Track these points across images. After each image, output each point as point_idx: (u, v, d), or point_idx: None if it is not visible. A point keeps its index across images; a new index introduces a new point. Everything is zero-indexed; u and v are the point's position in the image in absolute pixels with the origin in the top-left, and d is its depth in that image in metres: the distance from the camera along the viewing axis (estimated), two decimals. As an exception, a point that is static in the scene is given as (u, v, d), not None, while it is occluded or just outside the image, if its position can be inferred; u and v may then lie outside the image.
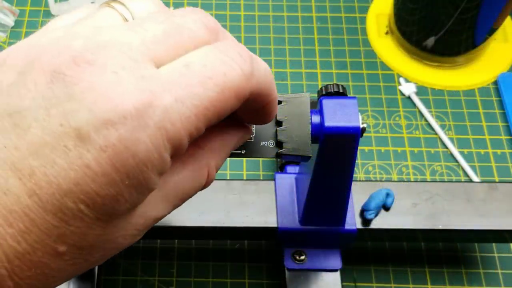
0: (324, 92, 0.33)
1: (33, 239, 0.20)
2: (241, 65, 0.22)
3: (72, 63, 0.20)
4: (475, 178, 0.47)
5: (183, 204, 0.38)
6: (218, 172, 0.47)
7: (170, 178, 0.23)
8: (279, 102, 0.30)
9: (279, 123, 0.30)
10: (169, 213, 0.24)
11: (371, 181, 0.46)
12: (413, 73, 0.53)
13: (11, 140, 0.20)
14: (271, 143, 0.30)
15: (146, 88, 0.20)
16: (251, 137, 0.30)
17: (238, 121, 0.27)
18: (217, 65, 0.21)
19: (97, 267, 0.40)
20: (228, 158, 0.46)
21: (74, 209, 0.20)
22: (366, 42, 0.55)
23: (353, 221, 0.37)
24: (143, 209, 0.22)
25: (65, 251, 0.20)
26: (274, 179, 0.40)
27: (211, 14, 0.56)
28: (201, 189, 0.25)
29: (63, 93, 0.20)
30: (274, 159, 0.46)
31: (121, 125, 0.19)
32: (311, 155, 0.29)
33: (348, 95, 0.33)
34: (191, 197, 0.25)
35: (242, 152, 0.29)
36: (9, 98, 0.20)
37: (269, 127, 0.30)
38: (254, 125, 0.30)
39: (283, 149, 0.29)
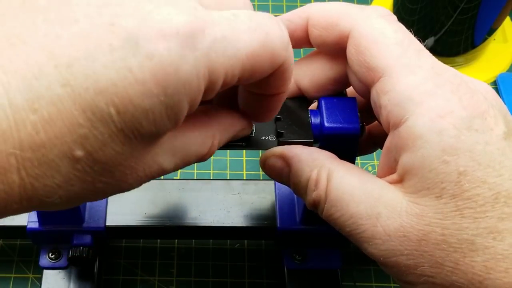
0: (324, 92, 0.33)
1: (54, 133, 0.19)
2: (280, 31, 0.23)
3: None
4: (474, 178, 0.47)
5: (183, 204, 0.39)
6: (218, 172, 0.48)
7: (181, 134, 0.23)
8: None
9: (278, 119, 0.30)
10: (170, 171, 0.24)
11: (371, 181, 0.46)
12: (412, 73, 0.53)
13: (54, 29, 0.19)
14: (271, 137, 0.30)
15: (200, 16, 0.20)
16: (252, 133, 0.30)
17: (243, 115, 0.27)
18: (262, 23, 0.22)
19: (97, 267, 0.40)
20: (228, 157, 0.47)
21: (104, 110, 0.19)
22: (366, 43, 0.55)
23: (353, 221, 0.38)
24: (155, 150, 0.22)
25: (81, 156, 0.19)
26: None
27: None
28: (199, 161, 0.25)
29: None
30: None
31: (173, 38, 0.19)
32: (312, 140, 0.30)
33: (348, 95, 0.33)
34: (190, 163, 0.25)
35: (243, 144, 0.30)
36: None
37: (269, 124, 0.30)
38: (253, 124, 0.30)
39: (284, 137, 0.29)
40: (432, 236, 0.23)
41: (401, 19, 0.53)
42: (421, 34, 0.51)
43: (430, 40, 0.51)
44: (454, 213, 0.23)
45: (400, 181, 0.24)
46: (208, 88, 0.21)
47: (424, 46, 0.53)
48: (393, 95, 0.24)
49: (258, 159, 0.48)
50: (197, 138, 0.24)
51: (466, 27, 0.48)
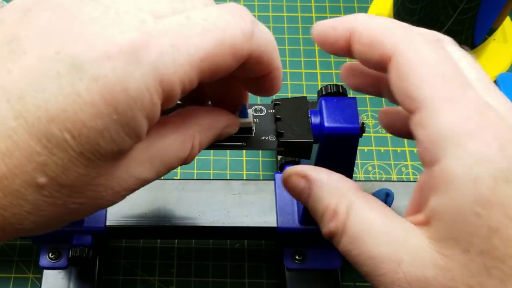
0: (324, 93, 0.33)
1: (13, 164, 0.19)
2: (241, 24, 0.22)
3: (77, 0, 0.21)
4: (474, 178, 0.47)
5: (183, 204, 0.39)
6: (218, 172, 0.48)
7: (156, 141, 0.24)
8: (276, 104, 0.31)
9: (278, 119, 0.30)
10: (152, 179, 0.24)
11: (371, 181, 0.46)
12: (412, 74, 0.53)
13: (6, 65, 0.20)
14: (271, 137, 0.30)
15: (145, 30, 0.20)
16: (252, 133, 0.30)
17: (228, 112, 0.27)
18: (218, 21, 0.22)
19: (97, 267, 0.40)
20: (228, 157, 0.46)
21: (59, 137, 0.19)
22: (366, 43, 0.55)
23: (353, 221, 0.38)
24: (128, 163, 0.22)
25: (45, 183, 0.20)
26: (274, 179, 0.40)
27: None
28: (183, 164, 0.25)
29: (63, 25, 0.20)
30: (274, 159, 0.46)
31: (116, 58, 0.20)
32: (312, 140, 0.30)
33: (348, 95, 0.33)
34: (173, 168, 0.25)
35: (243, 144, 0.30)
36: (10, 29, 0.21)
37: (269, 124, 0.30)
38: (254, 123, 0.30)
39: (284, 137, 0.29)
40: None
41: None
42: (421, 34, 0.51)
43: (430, 40, 0.51)
44: (482, 271, 0.21)
45: (426, 223, 0.22)
46: (166, 98, 0.21)
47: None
48: (430, 131, 0.22)
49: (258, 159, 0.48)
50: (174, 142, 0.24)
51: (466, 27, 0.48)
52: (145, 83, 0.20)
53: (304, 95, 0.51)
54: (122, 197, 0.23)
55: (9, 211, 0.20)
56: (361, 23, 0.26)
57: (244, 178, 0.47)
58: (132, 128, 0.21)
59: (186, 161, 0.25)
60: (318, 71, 0.53)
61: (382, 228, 0.23)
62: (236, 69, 0.23)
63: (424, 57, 0.23)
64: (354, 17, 0.27)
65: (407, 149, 0.49)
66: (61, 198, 0.21)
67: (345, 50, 0.28)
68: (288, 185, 0.28)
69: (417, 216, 0.23)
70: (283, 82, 0.52)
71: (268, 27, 0.55)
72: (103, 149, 0.20)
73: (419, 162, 0.48)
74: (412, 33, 0.25)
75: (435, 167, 0.22)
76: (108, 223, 0.38)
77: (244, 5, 0.62)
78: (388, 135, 0.49)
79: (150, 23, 0.21)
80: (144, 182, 0.24)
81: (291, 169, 0.28)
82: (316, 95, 0.34)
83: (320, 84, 0.52)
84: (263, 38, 0.24)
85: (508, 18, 0.54)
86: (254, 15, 0.56)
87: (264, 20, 0.56)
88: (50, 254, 0.39)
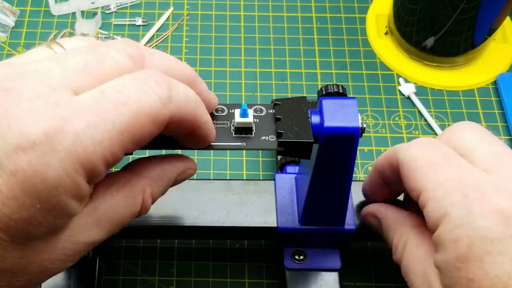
0: (324, 93, 0.33)
1: None
2: (156, 91, 0.23)
3: None
4: (474, 178, 0.47)
5: (183, 204, 0.39)
6: (218, 172, 0.48)
7: (102, 203, 0.24)
8: (276, 104, 0.31)
9: (278, 119, 0.30)
10: (104, 238, 0.24)
11: (371, 181, 0.46)
12: (412, 73, 0.53)
13: None
14: (271, 137, 0.30)
15: (58, 114, 0.20)
16: (252, 133, 0.30)
17: (180, 154, 0.28)
18: (132, 91, 0.22)
19: (97, 267, 0.40)
20: (228, 157, 0.46)
21: None
22: (366, 43, 0.55)
23: (353, 221, 0.38)
24: (70, 233, 0.22)
25: None
26: (274, 179, 0.40)
27: (211, 15, 0.56)
28: (139, 216, 0.26)
29: None
30: (274, 159, 0.46)
31: (31, 150, 0.20)
32: (312, 140, 0.30)
33: (348, 95, 0.33)
34: (126, 224, 0.25)
35: (243, 144, 0.30)
36: None
37: (269, 124, 0.30)
38: (254, 123, 0.30)
39: (284, 137, 0.29)
40: None
41: (401, 19, 0.53)
42: (421, 34, 0.51)
43: (430, 40, 0.51)
44: None
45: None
46: (91, 175, 0.21)
47: (424, 46, 0.53)
48: (428, 209, 0.28)
49: (258, 159, 0.48)
50: (122, 201, 0.24)
51: (466, 27, 0.48)
52: (63, 169, 0.20)
53: (304, 95, 0.51)
54: (73, 261, 0.23)
55: None
56: (380, 158, 0.34)
57: (244, 178, 0.47)
58: (59, 210, 0.21)
59: (139, 214, 0.26)
60: (318, 71, 0.53)
61: (421, 264, 0.29)
62: (163, 131, 0.24)
63: (413, 155, 0.30)
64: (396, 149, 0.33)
65: (407, 149, 0.49)
66: (4, 280, 0.21)
67: (383, 187, 0.35)
68: (365, 222, 0.36)
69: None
70: (284, 82, 0.52)
71: (268, 27, 0.55)
72: (35, 233, 0.21)
73: (419, 162, 0.48)
74: (409, 142, 0.31)
75: (435, 233, 0.27)
76: (108, 223, 0.38)
77: (244, 5, 0.63)
78: (388, 135, 0.49)
79: (64, 106, 0.21)
80: (93, 244, 0.24)
81: (365, 209, 0.36)
82: (316, 95, 0.34)
83: (320, 84, 0.52)
84: (182, 100, 0.24)
85: (508, 18, 0.54)
86: (254, 15, 0.56)
87: (264, 20, 0.56)
88: (50, 254, 0.39)
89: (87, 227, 0.23)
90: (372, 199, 0.36)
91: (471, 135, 0.29)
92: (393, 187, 0.34)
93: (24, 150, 0.20)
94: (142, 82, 0.23)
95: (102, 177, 0.22)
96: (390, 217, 0.33)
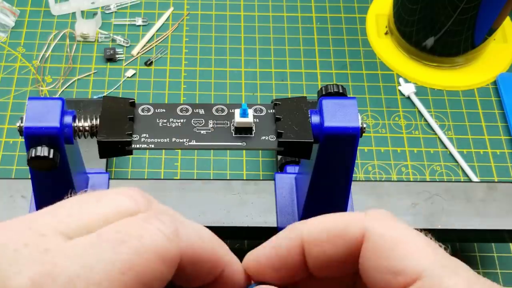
0: (324, 93, 0.33)
1: None
2: (159, 227, 0.21)
3: None
4: (474, 178, 0.47)
5: (183, 204, 0.39)
6: (218, 172, 0.47)
7: None
8: (276, 104, 0.31)
9: (278, 119, 0.30)
10: None
11: (371, 181, 0.46)
12: (412, 73, 0.53)
13: None
14: (271, 137, 0.30)
15: (48, 259, 0.19)
16: (252, 133, 0.30)
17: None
18: (133, 229, 0.21)
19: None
20: (228, 157, 0.46)
21: None
22: (366, 43, 0.55)
23: (353, 221, 0.38)
24: None
25: None
26: (274, 179, 0.40)
27: (211, 15, 0.56)
28: None
29: None
30: (274, 159, 0.46)
31: None
32: (312, 140, 0.30)
33: (348, 96, 0.33)
34: None
35: (243, 144, 0.30)
36: None
37: (269, 124, 0.30)
38: (254, 123, 0.30)
39: (284, 137, 0.29)
40: None
41: (401, 19, 0.53)
42: (421, 34, 0.51)
43: (430, 40, 0.51)
44: None
45: None
46: None
47: (424, 46, 0.53)
48: None
49: (258, 159, 0.48)
50: None
51: (466, 27, 0.48)
52: None
53: (304, 95, 0.51)
54: None
55: None
56: (311, 225, 0.24)
57: (244, 178, 0.47)
58: None
59: None
60: (318, 71, 0.53)
61: None
62: (183, 275, 0.22)
63: (404, 230, 0.22)
64: (296, 224, 0.24)
65: (407, 149, 0.49)
66: None
67: (299, 266, 0.24)
68: None
69: None
70: (284, 82, 0.52)
71: (268, 27, 0.55)
72: None
73: (420, 162, 0.48)
74: (371, 213, 0.23)
75: None
76: (108, 223, 0.38)
77: (244, 5, 0.62)
78: (388, 134, 0.49)
79: (54, 251, 0.19)
80: None
81: None
82: (316, 95, 0.34)
83: (320, 84, 0.52)
84: (192, 235, 0.22)
85: (508, 18, 0.54)
86: (254, 15, 0.56)
87: (264, 20, 0.56)
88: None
89: None
90: (260, 278, 0.25)
91: None
92: (320, 270, 0.24)
93: None
94: (142, 220, 0.21)
95: None
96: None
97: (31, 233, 0.20)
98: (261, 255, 0.24)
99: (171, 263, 0.21)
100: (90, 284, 0.19)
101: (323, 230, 0.23)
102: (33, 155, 0.30)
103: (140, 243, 0.20)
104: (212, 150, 0.42)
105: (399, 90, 0.52)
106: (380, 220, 0.22)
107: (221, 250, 0.23)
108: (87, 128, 0.31)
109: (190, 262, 0.22)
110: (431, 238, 0.23)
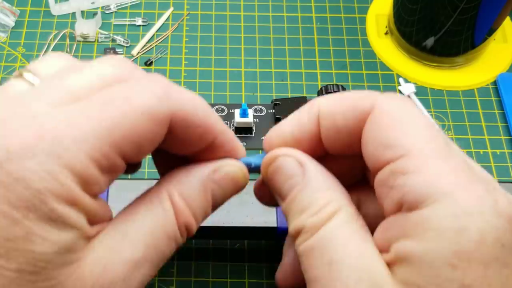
0: (324, 93, 0.33)
1: None
2: (150, 87, 0.21)
3: None
4: (474, 178, 0.47)
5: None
6: (218, 172, 0.47)
7: (122, 223, 0.22)
8: (276, 104, 0.31)
9: (278, 119, 0.30)
10: (148, 273, 0.21)
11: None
12: (412, 73, 0.53)
13: None
14: None
15: (36, 123, 0.19)
16: (252, 133, 0.30)
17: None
18: (121, 91, 0.21)
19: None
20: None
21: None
22: (366, 43, 0.55)
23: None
24: (93, 257, 0.20)
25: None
26: (274, 179, 0.40)
27: (211, 15, 0.56)
28: (183, 238, 0.23)
29: None
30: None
31: (6, 161, 0.18)
32: None
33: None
34: (166, 250, 0.22)
35: (243, 144, 0.30)
36: None
37: (269, 124, 0.30)
38: (254, 123, 0.30)
39: None
40: None
41: (401, 19, 0.53)
42: (421, 34, 0.51)
43: (430, 40, 0.51)
44: None
45: (392, 263, 0.21)
46: (84, 179, 0.20)
47: (424, 46, 0.53)
48: (417, 178, 0.20)
49: (258, 159, 0.48)
50: (148, 211, 0.22)
51: (466, 27, 0.48)
52: (46, 171, 0.19)
53: (304, 95, 0.50)
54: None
55: None
56: (328, 99, 0.24)
57: (244, 178, 0.47)
58: (56, 219, 0.19)
59: (180, 228, 0.23)
60: (318, 71, 0.53)
61: (355, 248, 0.21)
62: (173, 136, 0.22)
63: (409, 110, 0.22)
64: (316, 100, 0.25)
65: (407, 149, 0.49)
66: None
67: (317, 138, 0.25)
68: (275, 165, 0.25)
69: (383, 255, 0.22)
70: (284, 82, 0.52)
71: (268, 27, 0.55)
72: (41, 254, 0.19)
73: (419, 162, 0.48)
74: (386, 93, 0.24)
75: (413, 212, 0.20)
76: (108, 223, 0.38)
77: (244, 5, 0.63)
78: (388, 135, 0.49)
79: (42, 115, 0.20)
80: (141, 279, 0.21)
81: (286, 150, 0.25)
82: (316, 95, 0.34)
83: (320, 84, 0.52)
84: (185, 98, 0.22)
85: (508, 18, 0.54)
86: (254, 15, 0.56)
87: (264, 20, 0.56)
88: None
89: (119, 247, 0.21)
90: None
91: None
92: (332, 143, 0.24)
93: (1, 166, 0.19)
94: (133, 83, 0.21)
95: (101, 185, 0.20)
96: (322, 173, 0.24)
97: (18, 104, 0.20)
98: (283, 128, 0.25)
99: (160, 123, 0.21)
100: (77, 141, 0.19)
101: (337, 102, 0.24)
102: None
103: (128, 102, 0.20)
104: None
105: (399, 90, 0.52)
106: (391, 99, 0.23)
107: (213, 117, 0.23)
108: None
109: (181, 125, 0.22)
110: (447, 134, 0.23)
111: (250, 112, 0.30)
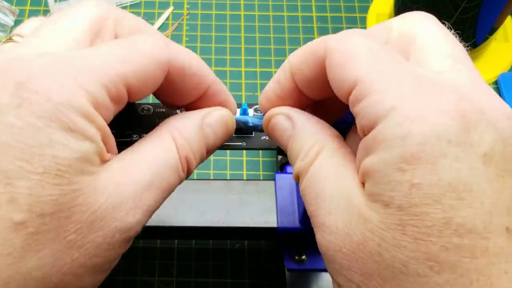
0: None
1: None
2: (152, 38, 0.24)
3: None
4: (475, 178, 0.47)
5: (183, 204, 0.38)
6: (218, 172, 0.47)
7: (128, 153, 0.24)
8: None
9: None
10: (156, 198, 0.24)
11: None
12: (413, 73, 0.52)
13: None
14: None
15: (51, 55, 0.22)
16: (252, 133, 0.30)
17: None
18: (128, 39, 0.24)
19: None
20: (228, 157, 0.46)
21: (13, 169, 0.20)
22: (366, 42, 0.55)
23: (353, 221, 0.37)
24: (106, 176, 0.22)
25: (23, 219, 0.20)
26: (274, 179, 0.40)
27: (211, 15, 0.56)
28: (187, 172, 0.25)
29: None
30: (274, 159, 0.46)
31: (28, 79, 0.21)
32: None
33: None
34: (171, 181, 0.24)
35: (243, 144, 0.30)
36: None
37: None
38: (253, 122, 0.30)
39: None
40: (370, 245, 0.21)
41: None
42: (422, 33, 0.51)
43: (431, 40, 0.51)
44: (396, 226, 0.20)
45: (362, 181, 0.23)
46: (94, 100, 0.22)
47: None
48: (366, 102, 0.22)
49: (258, 159, 0.48)
50: (151, 146, 0.24)
51: (467, 26, 0.48)
52: (63, 87, 0.21)
53: (305, 94, 0.50)
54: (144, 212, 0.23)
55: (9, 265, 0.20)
56: (293, 54, 0.27)
57: (244, 178, 0.47)
58: (75, 129, 0.21)
59: (181, 164, 0.25)
60: (318, 70, 0.53)
61: (335, 176, 0.24)
62: (170, 82, 0.25)
63: (352, 42, 0.24)
64: (287, 58, 0.27)
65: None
66: (51, 230, 0.20)
67: (296, 91, 0.27)
68: (270, 126, 0.28)
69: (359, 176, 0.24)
70: (284, 82, 0.52)
71: (268, 27, 0.55)
72: (64, 159, 0.20)
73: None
74: (338, 33, 0.25)
75: (371, 132, 0.22)
76: (107, 223, 0.38)
77: (245, 4, 0.62)
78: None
79: (55, 52, 0.23)
80: (150, 207, 0.23)
81: (274, 110, 0.27)
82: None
83: (320, 83, 0.52)
84: (182, 52, 0.25)
85: (509, 17, 0.54)
86: (254, 15, 0.56)
87: (264, 19, 0.56)
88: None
89: (128, 172, 0.23)
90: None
91: (430, 30, 0.26)
92: (310, 91, 0.27)
93: (22, 84, 0.21)
94: (140, 35, 0.24)
95: (109, 110, 0.23)
96: (307, 121, 0.26)
97: (28, 48, 0.23)
98: (267, 91, 0.28)
99: (160, 66, 0.24)
100: (91, 68, 0.22)
101: (300, 54, 0.26)
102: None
103: (134, 45, 0.24)
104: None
105: (400, 90, 0.52)
106: (337, 38, 0.25)
107: (206, 68, 0.26)
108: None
109: (178, 73, 0.25)
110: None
111: (250, 111, 0.30)
